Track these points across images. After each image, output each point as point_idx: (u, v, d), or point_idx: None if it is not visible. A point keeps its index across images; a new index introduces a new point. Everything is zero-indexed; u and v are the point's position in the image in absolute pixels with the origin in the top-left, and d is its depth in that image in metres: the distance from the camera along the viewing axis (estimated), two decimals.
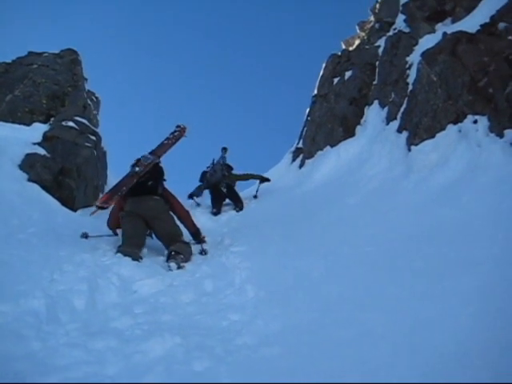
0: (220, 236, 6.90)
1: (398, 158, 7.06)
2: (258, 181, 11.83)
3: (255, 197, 11.35)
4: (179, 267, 5.30)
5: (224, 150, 12.19)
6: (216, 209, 10.36)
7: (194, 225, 6.73)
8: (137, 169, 6.62)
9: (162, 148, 7.35)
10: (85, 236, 6.17)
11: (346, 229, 5.36)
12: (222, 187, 10.91)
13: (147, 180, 6.54)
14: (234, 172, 11.71)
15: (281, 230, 6.43)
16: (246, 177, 11.87)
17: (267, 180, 11.72)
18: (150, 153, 7.06)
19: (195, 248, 6.28)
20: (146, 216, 6.19)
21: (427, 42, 8.15)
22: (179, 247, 5.76)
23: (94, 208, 6.82)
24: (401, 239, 4.27)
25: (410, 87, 7.88)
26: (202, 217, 8.95)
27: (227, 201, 10.99)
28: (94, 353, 2.94)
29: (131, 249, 5.63)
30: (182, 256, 5.56)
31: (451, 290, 2.86)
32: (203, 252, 6.06)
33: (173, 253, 5.60)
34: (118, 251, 5.58)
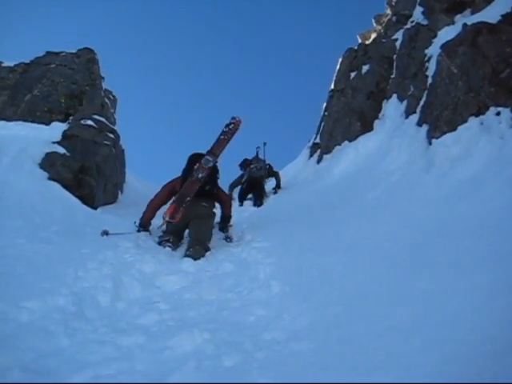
0: (240, 232, 6.90)
1: (418, 151, 6.98)
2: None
3: (275, 191, 11.96)
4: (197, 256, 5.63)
5: (264, 144, 13.11)
6: (259, 201, 10.89)
7: (229, 210, 7.17)
8: (200, 175, 6.67)
9: (220, 146, 7.19)
10: (105, 233, 6.19)
11: (367, 224, 5.32)
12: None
13: (205, 184, 6.68)
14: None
15: (301, 225, 6.42)
16: (275, 174, 12.56)
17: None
18: (208, 152, 6.99)
19: (221, 236, 6.74)
20: (191, 217, 6.37)
21: (446, 34, 8.07)
22: (195, 251, 5.80)
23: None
24: (423, 234, 4.22)
25: (430, 80, 7.80)
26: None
27: (249, 196, 11.33)
28: (123, 349, 2.96)
29: (168, 237, 6.13)
30: (191, 259, 5.55)
31: (477, 283, 2.80)
32: (228, 239, 6.54)
33: (188, 252, 5.75)
34: (159, 241, 6.17)
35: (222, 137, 7.25)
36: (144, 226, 6.59)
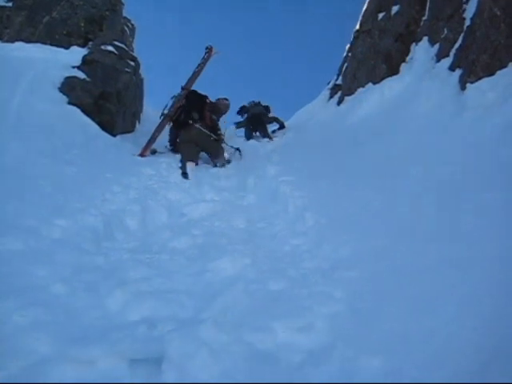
0: (262, 168, 6.73)
1: (449, 96, 6.71)
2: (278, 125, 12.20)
3: (273, 132, 11.78)
4: (221, 166, 7.25)
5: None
6: (266, 134, 11.19)
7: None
8: (166, 111, 7.90)
9: (192, 79, 8.29)
10: (154, 152, 7.55)
11: (399, 163, 5.14)
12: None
13: (179, 115, 7.72)
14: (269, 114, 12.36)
15: (328, 162, 6.25)
16: (273, 119, 12.26)
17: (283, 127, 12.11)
18: (183, 88, 8.14)
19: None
20: (195, 142, 7.43)
21: None
22: (220, 161, 7.42)
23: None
24: (463, 174, 4.05)
25: (467, 22, 7.46)
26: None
27: (257, 134, 11.44)
28: (161, 269, 2.92)
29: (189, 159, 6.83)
30: (222, 163, 7.36)
31: None
32: (218, 165, 7.34)
33: (217, 165, 7.33)
34: (181, 165, 6.71)
35: (196, 69, 8.36)
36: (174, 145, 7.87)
